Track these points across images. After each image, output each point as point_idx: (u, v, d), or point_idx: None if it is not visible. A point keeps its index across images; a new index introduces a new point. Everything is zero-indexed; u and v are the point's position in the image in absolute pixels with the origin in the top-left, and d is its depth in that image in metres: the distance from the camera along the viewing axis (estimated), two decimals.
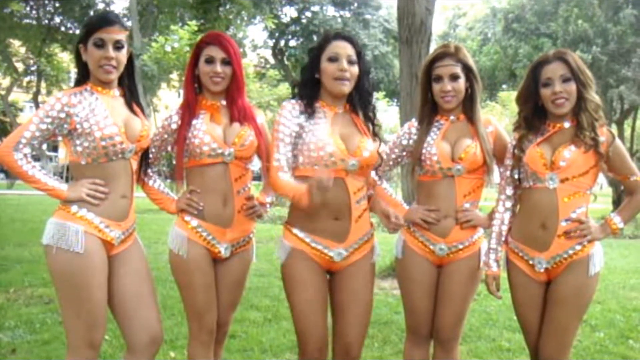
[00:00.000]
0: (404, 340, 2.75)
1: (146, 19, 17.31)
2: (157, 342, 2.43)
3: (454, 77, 2.51)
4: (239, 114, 2.55)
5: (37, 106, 21.90)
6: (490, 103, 21.16)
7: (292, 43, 27.93)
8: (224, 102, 2.57)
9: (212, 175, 2.50)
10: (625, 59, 17.59)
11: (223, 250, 2.53)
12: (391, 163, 2.72)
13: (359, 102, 2.50)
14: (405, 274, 2.64)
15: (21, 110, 30.42)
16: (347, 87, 2.42)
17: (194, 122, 2.51)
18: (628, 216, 2.49)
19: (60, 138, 2.38)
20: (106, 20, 2.34)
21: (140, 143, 2.43)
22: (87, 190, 2.30)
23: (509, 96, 18.72)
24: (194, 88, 2.59)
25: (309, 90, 2.46)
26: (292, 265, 2.41)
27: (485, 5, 25.51)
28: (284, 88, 18.32)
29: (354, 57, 2.41)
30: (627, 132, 21.45)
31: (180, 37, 13.89)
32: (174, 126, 2.54)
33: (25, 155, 2.31)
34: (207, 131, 2.47)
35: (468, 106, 2.59)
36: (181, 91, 2.89)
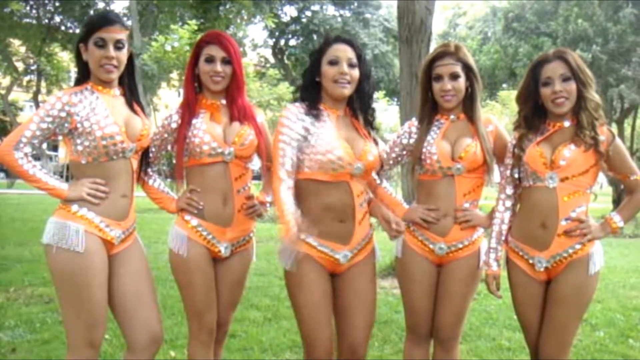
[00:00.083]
0: (404, 340, 2.75)
1: (146, 18, 17.30)
2: (157, 342, 2.43)
3: (454, 76, 2.51)
4: (239, 113, 2.55)
5: (37, 105, 21.91)
6: (491, 102, 21.14)
7: (292, 42, 27.96)
8: (224, 102, 2.57)
9: (212, 174, 2.50)
10: (625, 58, 17.59)
11: (223, 249, 2.53)
12: (391, 162, 2.72)
13: (359, 106, 2.50)
14: (405, 273, 2.64)
15: (21, 109, 30.40)
16: (347, 90, 2.42)
17: (194, 121, 2.51)
18: (628, 215, 2.49)
19: (60, 137, 2.38)
20: (107, 19, 2.34)
21: (140, 142, 2.43)
22: (87, 189, 2.30)
23: (509, 95, 18.71)
24: (194, 87, 2.59)
25: (310, 93, 2.46)
26: (298, 268, 2.38)
27: (485, 5, 25.53)
28: (284, 87, 18.32)
29: (355, 60, 2.41)
30: (627, 131, 21.45)
31: (180, 36, 13.89)
32: (174, 125, 2.54)
33: (25, 154, 2.31)
34: (207, 130, 2.47)
35: (468, 105, 2.59)
36: (181, 90, 2.89)
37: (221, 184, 2.50)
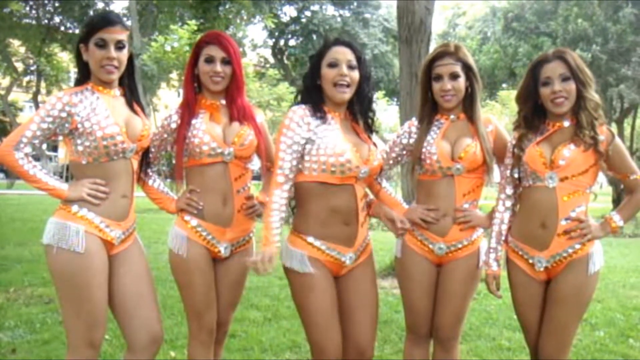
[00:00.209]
0: (404, 340, 2.75)
1: (146, 18, 17.32)
2: (157, 342, 2.43)
3: (454, 76, 2.51)
4: (238, 113, 2.55)
5: (36, 106, 21.92)
6: (490, 102, 21.15)
7: (292, 42, 27.97)
8: (223, 102, 2.57)
9: (211, 174, 2.50)
10: (624, 57, 17.59)
11: (223, 249, 2.53)
12: (391, 162, 2.72)
13: (359, 109, 2.50)
14: (404, 273, 2.64)
15: (21, 110, 30.41)
16: (347, 95, 2.42)
17: (193, 121, 2.51)
18: (628, 215, 2.48)
19: (60, 137, 2.38)
20: (108, 20, 2.34)
21: (141, 142, 2.43)
22: (87, 190, 2.30)
23: (508, 95, 18.72)
24: (194, 87, 2.59)
25: (311, 97, 2.45)
26: (308, 273, 2.37)
27: (485, 5, 25.53)
28: (284, 87, 18.33)
29: (354, 62, 2.41)
30: (627, 131, 21.46)
31: (179, 36, 13.90)
32: (173, 125, 2.54)
33: (26, 154, 2.31)
34: (206, 130, 2.47)
35: (468, 105, 2.59)
36: (181, 91, 2.89)
37: (221, 184, 2.50)
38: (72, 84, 2.47)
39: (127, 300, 2.39)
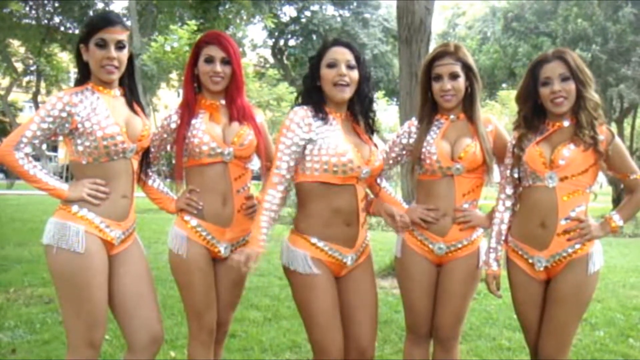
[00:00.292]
0: (404, 340, 2.75)
1: (145, 18, 17.31)
2: (157, 342, 2.43)
3: (454, 76, 2.51)
4: (238, 113, 2.55)
5: (36, 106, 21.93)
6: (490, 102, 21.14)
7: (292, 42, 27.98)
8: (223, 102, 2.57)
9: (211, 174, 2.50)
10: (624, 57, 17.58)
11: (223, 249, 2.53)
12: (391, 162, 2.72)
13: (360, 110, 2.50)
14: (404, 273, 2.64)
15: (21, 110, 30.41)
16: (347, 94, 2.42)
17: (193, 121, 2.51)
18: (628, 215, 2.48)
19: (60, 137, 2.39)
20: (108, 20, 2.34)
21: (141, 142, 2.43)
22: (88, 190, 2.30)
23: (508, 95, 18.72)
24: (194, 87, 2.59)
25: (312, 98, 2.45)
26: (311, 274, 2.37)
27: (485, 4, 25.54)
28: (284, 87, 18.31)
29: (353, 62, 2.41)
30: (627, 131, 21.46)
31: (179, 36, 13.90)
32: (173, 125, 2.54)
33: (26, 154, 2.31)
34: (206, 130, 2.47)
35: (468, 105, 2.59)
36: (180, 91, 2.89)
37: (221, 184, 2.50)
38: (71, 84, 2.47)
39: (127, 300, 2.39)
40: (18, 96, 29.60)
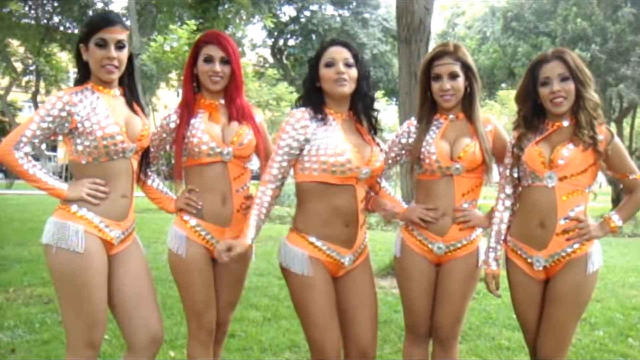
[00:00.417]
0: (403, 339, 2.75)
1: (145, 18, 17.31)
2: (157, 342, 2.43)
3: (453, 76, 2.51)
4: (237, 113, 2.55)
5: (36, 106, 21.91)
6: (490, 102, 21.16)
7: (291, 42, 27.99)
8: (222, 101, 2.57)
9: (210, 174, 2.50)
10: (624, 57, 17.59)
11: None
12: (390, 162, 2.72)
13: (361, 109, 2.50)
14: (403, 272, 2.64)
15: (20, 109, 30.40)
16: (347, 88, 2.41)
17: (192, 121, 2.51)
18: (627, 214, 2.49)
19: (60, 137, 2.39)
20: (108, 20, 2.33)
21: (141, 142, 2.43)
22: (87, 189, 2.30)
23: (507, 95, 18.74)
24: (193, 87, 2.59)
25: (312, 99, 2.45)
26: (310, 274, 2.37)
27: (484, 4, 25.56)
28: (283, 87, 18.34)
29: (351, 60, 2.41)
30: (626, 131, 21.48)
31: (179, 36, 13.91)
32: (172, 125, 2.54)
33: (26, 154, 2.31)
34: (205, 130, 2.47)
35: (467, 105, 2.59)
36: (180, 90, 2.89)
37: (220, 183, 2.50)
38: (71, 83, 2.47)
39: (127, 300, 2.39)
40: (17, 96, 29.59)
